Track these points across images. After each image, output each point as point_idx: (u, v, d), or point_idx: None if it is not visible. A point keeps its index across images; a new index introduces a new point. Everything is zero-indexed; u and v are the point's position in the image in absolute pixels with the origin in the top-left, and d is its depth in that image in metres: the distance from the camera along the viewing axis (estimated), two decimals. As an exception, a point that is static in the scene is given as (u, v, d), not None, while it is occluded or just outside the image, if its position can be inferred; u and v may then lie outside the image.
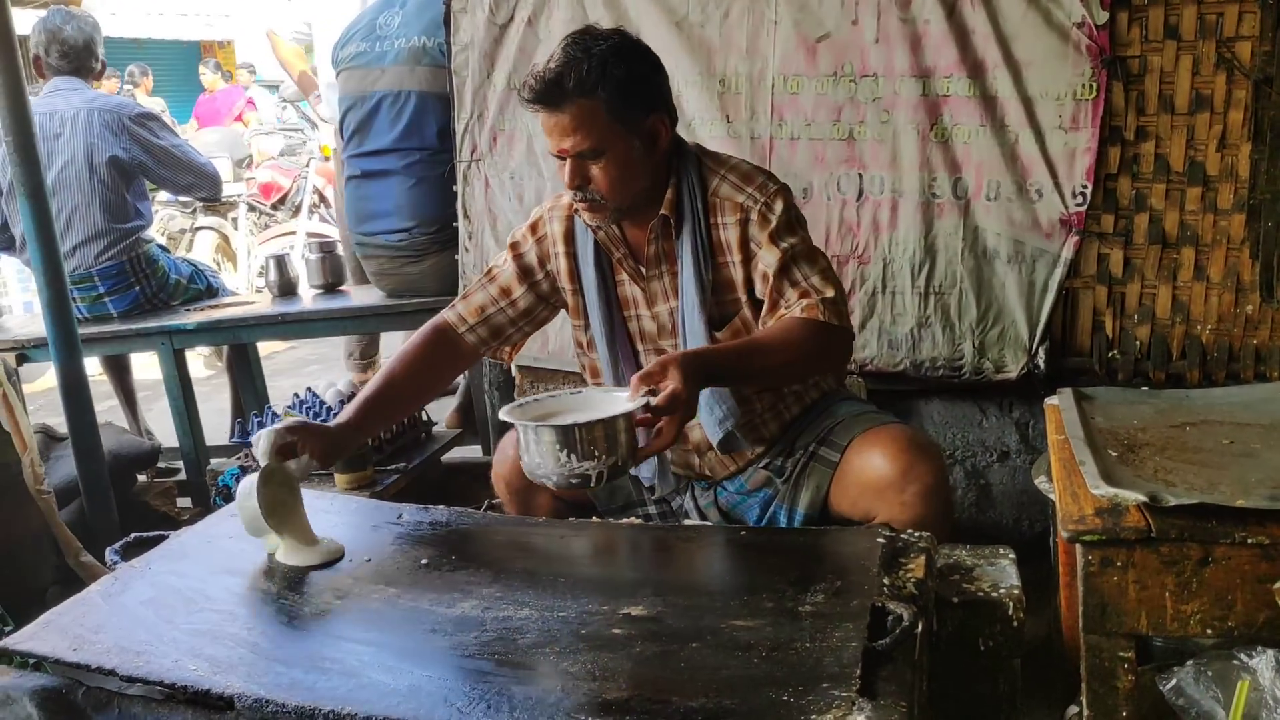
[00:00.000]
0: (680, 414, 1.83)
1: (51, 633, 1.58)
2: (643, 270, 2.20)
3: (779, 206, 2.11)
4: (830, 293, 2.04)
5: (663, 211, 2.13)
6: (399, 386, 2.25)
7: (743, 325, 2.17)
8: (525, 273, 2.30)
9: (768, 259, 2.07)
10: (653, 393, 1.82)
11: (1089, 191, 2.75)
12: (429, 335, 2.30)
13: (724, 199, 2.14)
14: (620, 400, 1.88)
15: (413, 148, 3.52)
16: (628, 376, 2.22)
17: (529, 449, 1.83)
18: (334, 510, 2.06)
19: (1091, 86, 2.70)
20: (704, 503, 2.30)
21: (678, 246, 2.16)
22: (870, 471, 2.04)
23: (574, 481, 1.82)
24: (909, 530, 1.83)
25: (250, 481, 1.89)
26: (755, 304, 2.15)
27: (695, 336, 2.13)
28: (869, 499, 2.04)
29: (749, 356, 1.99)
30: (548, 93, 2.00)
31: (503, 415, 1.89)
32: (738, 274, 2.15)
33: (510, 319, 2.32)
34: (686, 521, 2.26)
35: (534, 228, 2.30)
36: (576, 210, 2.16)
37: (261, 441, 1.95)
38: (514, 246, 2.31)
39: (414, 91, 3.49)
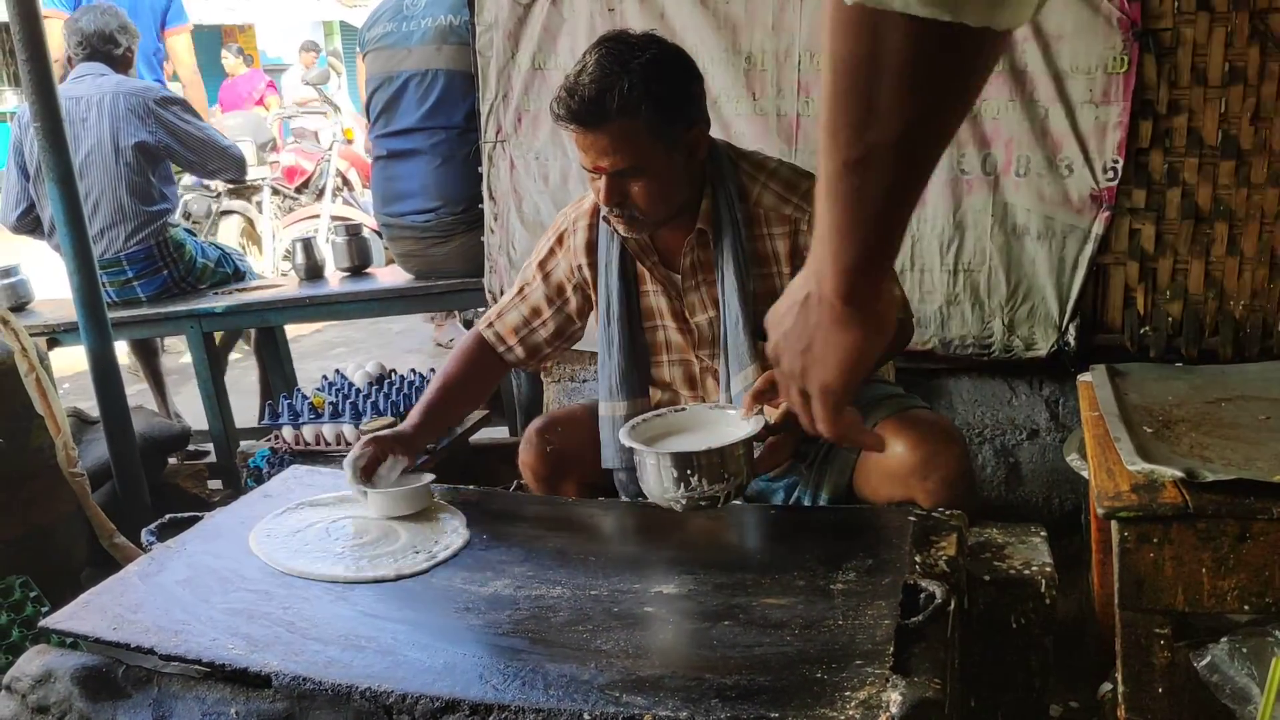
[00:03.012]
0: (797, 429, 1.84)
1: (91, 612, 1.60)
2: (677, 280, 2.17)
3: None
4: (897, 290, 2.07)
5: (699, 226, 2.09)
6: (453, 395, 2.26)
7: None
8: (557, 292, 2.28)
9: None
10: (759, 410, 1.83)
11: (1120, 166, 2.72)
12: (473, 351, 2.31)
13: (768, 209, 2.10)
14: (735, 419, 1.89)
15: (439, 127, 3.51)
16: (639, 389, 2.23)
17: (652, 474, 1.81)
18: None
19: (1123, 60, 2.66)
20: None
21: (716, 256, 2.11)
22: (892, 458, 2.00)
23: (702, 504, 1.81)
24: (940, 508, 1.83)
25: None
26: None
27: (738, 349, 2.10)
28: (891, 486, 2.00)
29: None
30: (586, 113, 1.92)
31: (625, 441, 1.87)
32: (781, 285, 2.11)
33: (545, 339, 2.31)
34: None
35: (560, 240, 2.27)
36: (609, 224, 2.11)
37: (347, 470, 1.97)
38: (542, 265, 2.29)
39: (441, 70, 3.49)
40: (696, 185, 2.09)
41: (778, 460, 1.90)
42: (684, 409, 2.02)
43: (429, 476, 2.01)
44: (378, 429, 2.90)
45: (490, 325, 2.32)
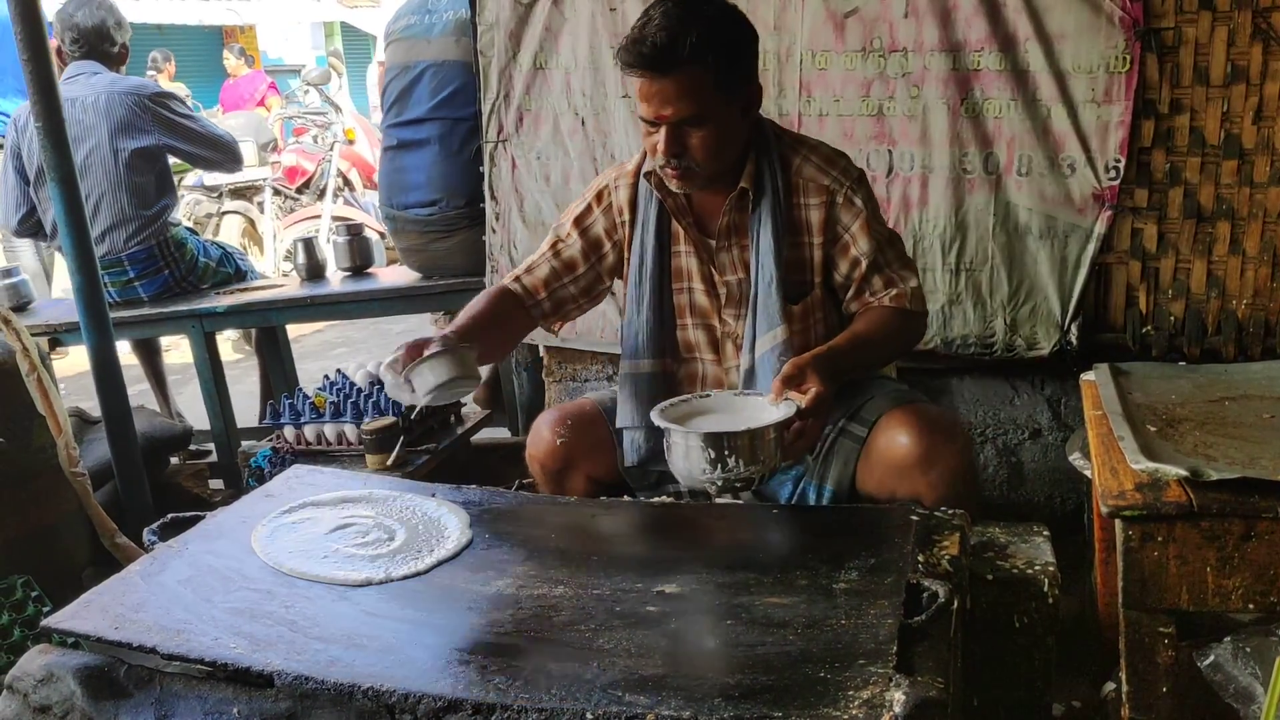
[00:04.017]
0: (824, 416, 1.88)
1: (93, 612, 1.60)
2: (710, 243, 2.19)
3: (865, 192, 2.16)
4: (914, 281, 2.15)
5: (742, 184, 2.12)
6: (481, 327, 2.19)
7: (813, 306, 2.18)
8: (593, 247, 2.29)
9: (862, 246, 2.12)
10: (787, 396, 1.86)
11: (1122, 165, 2.71)
12: (499, 300, 2.26)
13: (808, 180, 2.14)
14: (761, 405, 1.91)
15: (449, 118, 3.52)
16: (666, 348, 2.24)
17: (684, 456, 1.83)
18: (368, 490, 2.06)
19: (1125, 59, 2.66)
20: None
21: (752, 220, 2.14)
22: (895, 450, 2.01)
23: (737, 486, 1.83)
24: (942, 508, 1.82)
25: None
26: (827, 287, 2.19)
27: (769, 309, 2.14)
28: (893, 479, 2.01)
29: (861, 351, 2.05)
30: (658, 58, 1.94)
31: (658, 422, 1.89)
32: (815, 255, 2.16)
33: (572, 295, 2.31)
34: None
35: (599, 197, 2.28)
36: (662, 177, 2.12)
37: (386, 376, 1.98)
38: (578, 221, 2.28)
39: (458, 62, 3.50)
40: (744, 145, 2.12)
41: (806, 446, 1.91)
42: (709, 395, 2.04)
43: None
44: (379, 428, 2.92)
45: (518, 280, 2.30)
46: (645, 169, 2.17)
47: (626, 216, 2.24)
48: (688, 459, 1.83)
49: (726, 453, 1.79)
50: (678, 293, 2.24)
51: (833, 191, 2.13)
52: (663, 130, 2.00)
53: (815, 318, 2.19)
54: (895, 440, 2.02)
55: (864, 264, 2.12)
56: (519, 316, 2.31)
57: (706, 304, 2.23)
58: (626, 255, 2.27)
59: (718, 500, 2.12)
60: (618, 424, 2.25)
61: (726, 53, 1.99)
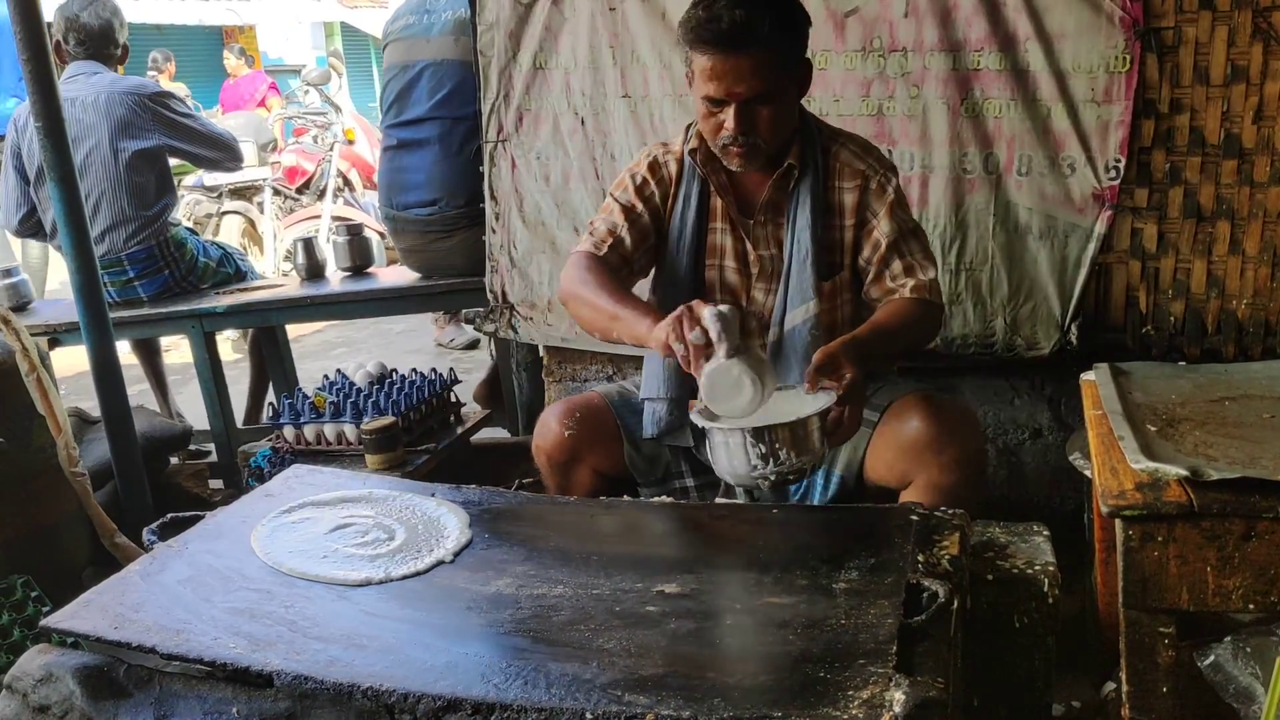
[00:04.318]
0: (861, 400, 1.89)
1: (92, 611, 1.60)
2: (746, 223, 2.23)
3: (895, 181, 2.22)
4: (933, 273, 2.18)
5: (790, 161, 2.16)
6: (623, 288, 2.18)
7: (841, 286, 2.23)
8: (654, 216, 2.28)
9: (885, 228, 2.17)
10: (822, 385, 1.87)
11: (1122, 165, 2.71)
12: (602, 265, 2.19)
13: (844, 163, 2.21)
14: (795, 396, 1.91)
15: (448, 117, 3.52)
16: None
17: (730, 452, 1.82)
18: (368, 490, 2.06)
19: (1125, 59, 2.66)
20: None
21: (790, 198, 2.19)
22: (908, 433, 2.05)
23: (790, 479, 1.83)
24: (942, 507, 1.83)
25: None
26: (854, 270, 2.24)
27: (802, 283, 2.18)
28: (905, 461, 2.04)
29: (885, 340, 2.06)
30: (735, 36, 1.98)
31: (701, 423, 1.88)
32: (846, 237, 2.22)
33: (643, 266, 2.31)
34: (721, 500, 2.27)
35: (652, 169, 2.29)
36: (719, 155, 2.15)
37: (731, 322, 1.84)
38: (639, 191, 2.28)
39: (457, 61, 3.50)
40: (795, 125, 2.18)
41: (848, 433, 1.92)
42: None
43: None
44: (379, 428, 2.91)
45: (603, 254, 2.22)
46: (690, 147, 2.20)
47: (671, 190, 2.27)
48: (735, 457, 1.82)
49: (777, 446, 1.78)
50: (709, 269, 2.27)
51: (868, 177, 2.20)
52: (732, 108, 2.04)
53: (843, 298, 2.24)
54: (909, 423, 2.06)
55: (884, 245, 2.17)
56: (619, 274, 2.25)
57: (736, 281, 2.26)
58: (665, 229, 2.28)
59: (720, 500, 2.13)
60: (641, 395, 2.28)
61: (794, 33, 2.08)
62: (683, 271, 2.25)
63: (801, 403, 1.89)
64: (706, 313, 1.84)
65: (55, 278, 6.29)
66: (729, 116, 2.05)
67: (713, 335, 1.82)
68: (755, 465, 1.80)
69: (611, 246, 2.23)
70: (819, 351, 1.90)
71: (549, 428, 2.26)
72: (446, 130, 3.54)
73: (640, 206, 2.26)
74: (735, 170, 2.17)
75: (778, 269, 2.23)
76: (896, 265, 2.17)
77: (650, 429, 2.28)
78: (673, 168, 2.28)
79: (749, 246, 2.24)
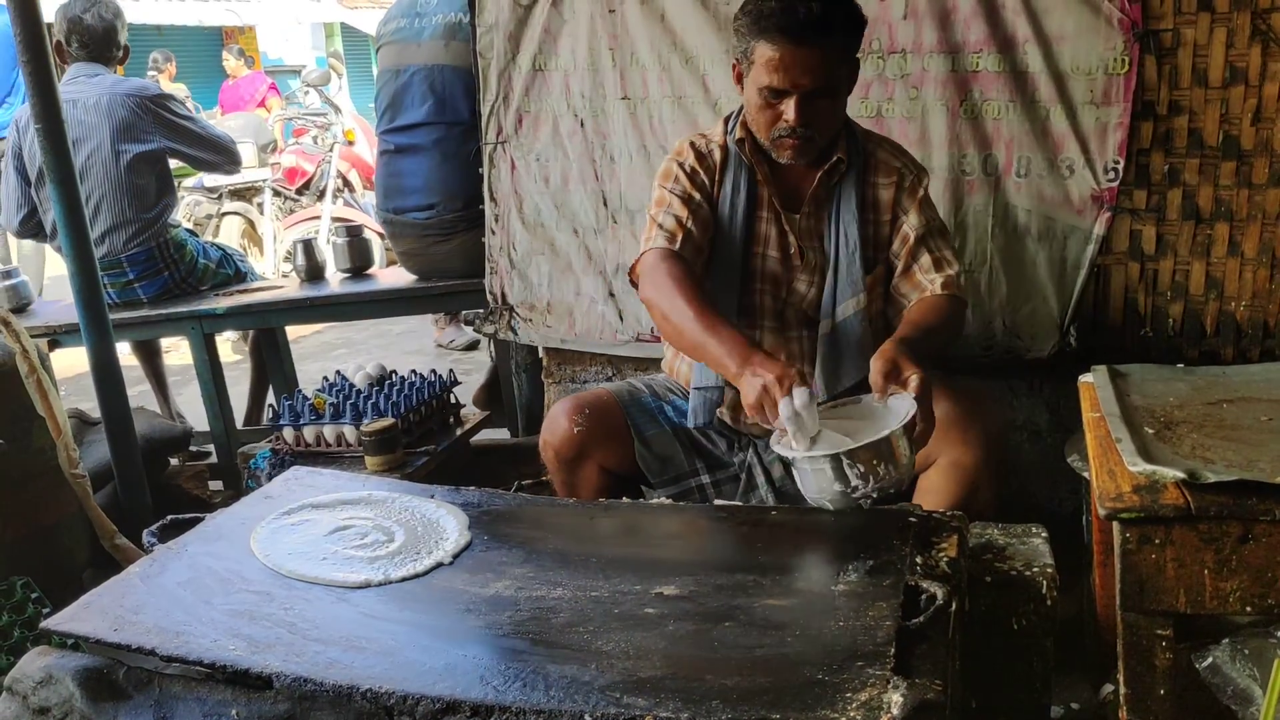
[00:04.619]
0: (931, 397, 1.89)
1: (92, 613, 1.60)
2: (790, 213, 2.26)
3: (926, 181, 2.30)
4: (959, 267, 2.26)
5: (839, 155, 2.22)
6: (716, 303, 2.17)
7: (877, 280, 2.28)
8: (709, 204, 2.28)
9: (914, 222, 2.24)
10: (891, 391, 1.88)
11: (1121, 167, 2.72)
12: (680, 265, 2.17)
13: (882, 161, 2.29)
14: (872, 404, 1.92)
15: (443, 122, 3.52)
16: (740, 311, 2.28)
17: (832, 478, 1.80)
18: (368, 491, 2.06)
19: (1124, 60, 2.66)
20: (768, 459, 2.34)
21: (833, 192, 2.25)
22: (938, 411, 2.01)
23: (891, 492, 1.83)
24: (960, 489, 1.84)
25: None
26: (886, 266, 2.29)
27: (852, 276, 2.23)
28: (935, 441, 2.01)
29: (931, 338, 2.09)
30: (810, 29, 2.01)
31: (787, 453, 1.86)
32: (882, 232, 2.28)
33: (707, 258, 2.30)
34: (734, 501, 2.29)
35: (700, 158, 2.30)
36: (770, 147, 2.17)
37: (803, 411, 1.83)
38: (691, 178, 2.27)
39: (448, 66, 3.49)
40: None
41: (927, 434, 1.91)
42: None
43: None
44: (379, 430, 2.92)
45: (679, 250, 2.20)
46: (737, 137, 2.23)
47: (717, 178, 2.28)
48: (830, 481, 1.79)
49: (875, 464, 1.78)
50: (753, 258, 2.29)
51: (903, 174, 2.28)
52: (793, 100, 2.07)
53: (877, 292, 2.29)
54: (937, 404, 2.03)
55: (912, 238, 2.23)
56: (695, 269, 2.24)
57: (778, 271, 2.29)
58: (710, 216, 2.29)
59: (718, 502, 2.13)
60: (693, 384, 2.30)
61: (857, 27, 2.13)
62: (733, 260, 2.27)
63: (874, 412, 1.90)
64: (783, 412, 1.82)
65: (51, 270, 6.29)
66: (789, 108, 2.08)
67: (790, 432, 1.82)
68: (856, 486, 1.78)
69: (684, 240, 2.21)
70: (878, 359, 1.89)
71: (558, 423, 2.27)
72: (441, 136, 3.53)
73: (698, 196, 2.27)
74: (784, 162, 2.20)
75: (820, 262, 2.27)
76: (925, 259, 2.23)
77: (704, 418, 2.30)
78: (717, 156, 2.29)
79: (792, 238, 2.27)
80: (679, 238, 2.21)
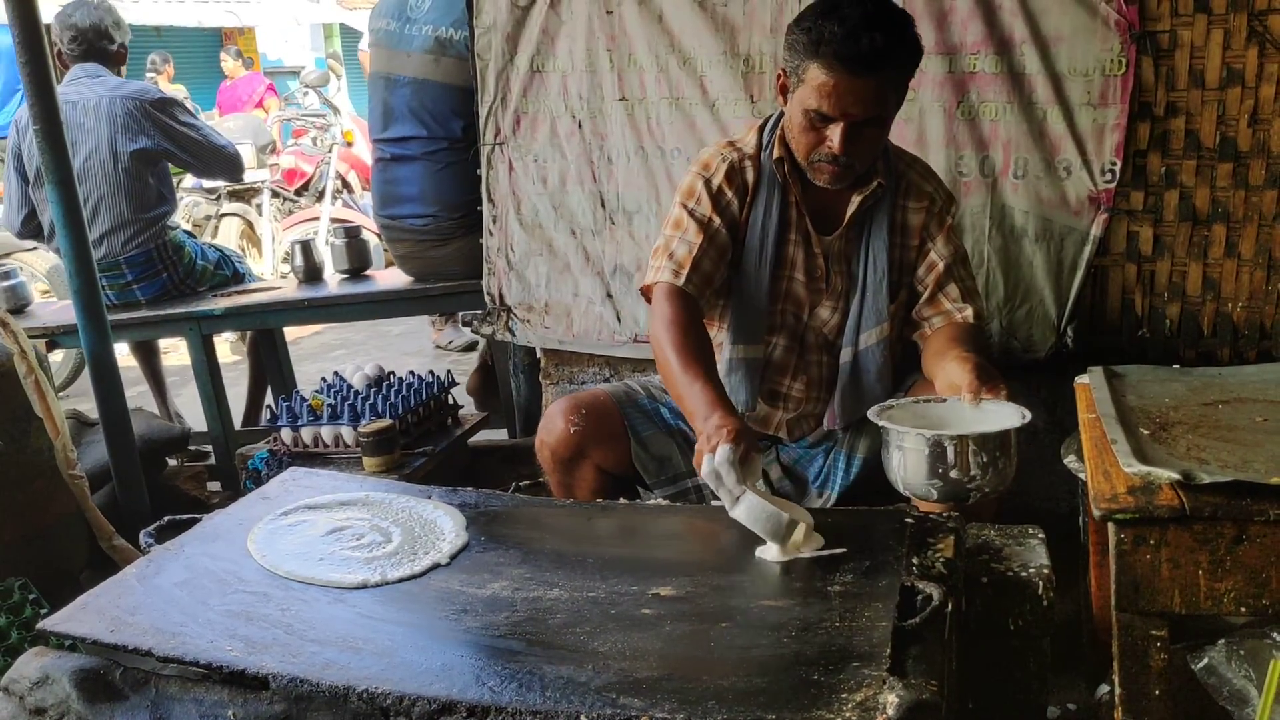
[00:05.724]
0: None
1: (89, 614, 1.60)
2: (823, 236, 2.23)
3: (955, 209, 2.29)
4: (981, 299, 2.28)
5: (879, 180, 2.18)
6: (706, 350, 2.12)
7: (900, 306, 2.27)
8: (731, 228, 2.23)
9: (942, 250, 2.23)
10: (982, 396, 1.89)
11: (1118, 168, 2.72)
12: (683, 304, 2.14)
13: (912, 184, 2.26)
14: (960, 406, 1.92)
15: (436, 137, 3.52)
16: (764, 331, 2.26)
17: (953, 463, 1.80)
18: (365, 492, 2.07)
19: (1121, 62, 2.66)
20: (766, 460, 2.34)
21: (866, 216, 2.22)
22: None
23: (1000, 490, 1.84)
24: (937, 511, 1.83)
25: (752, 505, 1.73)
26: (909, 290, 2.27)
27: (878, 304, 2.21)
28: None
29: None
30: (871, 59, 1.96)
31: (892, 426, 1.87)
32: (909, 257, 2.26)
33: (722, 285, 2.26)
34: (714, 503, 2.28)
35: (729, 176, 2.23)
36: (808, 170, 2.13)
37: (728, 474, 1.76)
38: (715, 201, 2.21)
39: (437, 83, 3.48)
40: None
41: None
42: (892, 405, 1.99)
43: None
44: (376, 431, 2.92)
45: (685, 281, 2.15)
46: (776, 156, 2.18)
47: (750, 197, 2.24)
48: (952, 466, 1.80)
49: (997, 454, 1.80)
50: (779, 280, 2.27)
51: (933, 199, 2.26)
52: (840, 127, 2.03)
53: (899, 317, 2.27)
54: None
55: (940, 266, 2.22)
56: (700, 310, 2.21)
57: (803, 295, 2.27)
58: (741, 236, 2.25)
59: (714, 502, 2.12)
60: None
61: (917, 59, 2.09)
62: (759, 282, 2.23)
63: (970, 412, 1.90)
64: (703, 469, 1.79)
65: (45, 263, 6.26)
66: (835, 135, 2.03)
67: (713, 486, 1.79)
68: (974, 475, 1.79)
69: (691, 273, 2.16)
70: (972, 365, 1.91)
71: (555, 423, 2.27)
72: (434, 149, 3.52)
73: (718, 221, 2.20)
74: (821, 186, 2.15)
75: (846, 286, 2.25)
76: (953, 289, 2.22)
77: (648, 476, 2.32)
78: (750, 175, 2.22)
79: (822, 262, 2.24)
80: (684, 272, 2.16)
